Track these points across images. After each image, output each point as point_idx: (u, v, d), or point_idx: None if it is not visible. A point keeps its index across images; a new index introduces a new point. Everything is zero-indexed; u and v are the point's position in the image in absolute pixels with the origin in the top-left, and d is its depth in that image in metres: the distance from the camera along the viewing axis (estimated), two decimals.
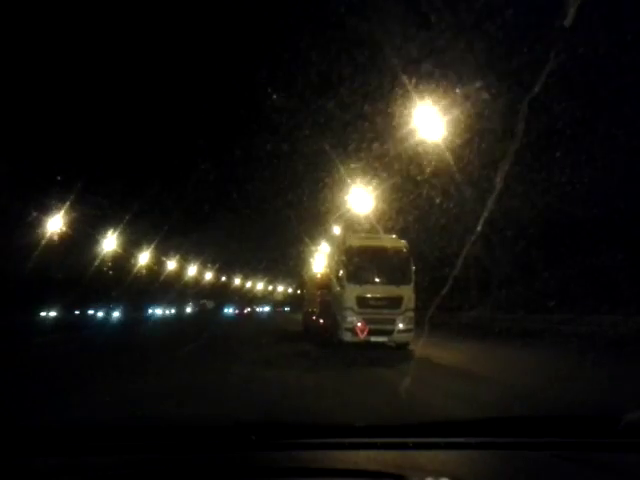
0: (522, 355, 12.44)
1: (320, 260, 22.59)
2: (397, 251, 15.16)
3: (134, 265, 41.94)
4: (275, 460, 2.09)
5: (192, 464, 2.05)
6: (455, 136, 15.95)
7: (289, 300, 76.31)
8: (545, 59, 10.33)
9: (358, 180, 20.16)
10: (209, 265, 60.45)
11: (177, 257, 50.81)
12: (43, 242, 26.63)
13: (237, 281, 76.01)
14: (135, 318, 43.36)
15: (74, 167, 25.56)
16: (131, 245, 39.46)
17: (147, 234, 38.53)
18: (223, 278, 71.30)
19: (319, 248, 24.58)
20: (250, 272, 72.52)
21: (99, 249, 34.63)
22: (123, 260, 39.60)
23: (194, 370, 9.35)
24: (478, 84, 14.38)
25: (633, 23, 12.16)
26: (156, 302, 56.71)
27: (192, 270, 57.28)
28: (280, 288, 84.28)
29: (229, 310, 74.13)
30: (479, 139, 16.83)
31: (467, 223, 15.59)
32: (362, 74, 16.10)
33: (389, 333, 14.27)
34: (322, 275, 19.84)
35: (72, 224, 28.35)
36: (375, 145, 17.65)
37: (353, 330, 14.24)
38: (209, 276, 64.81)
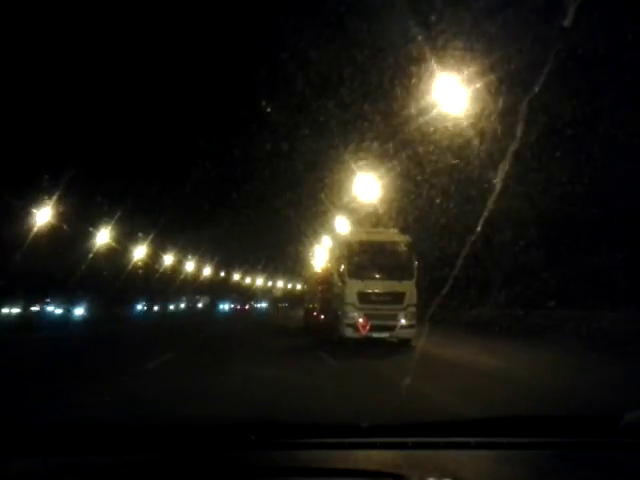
0: (523, 354, 12.44)
1: (321, 255, 22.52)
2: (399, 246, 15.04)
3: (128, 260, 40.11)
4: (275, 460, 2.09)
5: (192, 464, 2.05)
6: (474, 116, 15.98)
7: (288, 297, 76.26)
8: (545, 59, 10.33)
9: (365, 167, 19.67)
10: (207, 262, 59.96)
11: (174, 253, 49.69)
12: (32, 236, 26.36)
13: (236, 277, 75.50)
14: (115, 315, 38.01)
15: (73, 166, 25.54)
16: (126, 240, 38.42)
17: (147, 232, 38.36)
18: (222, 274, 70.50)
19: (321, 243, 24.53)
20: (250, 269, 72.32)
21: (91, 243, 33.47)
22: (117, 255, 37.97)
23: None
24: (477, 85, 14.36)
25: (633, 23, 12.15)
26: (144, 298, 52.33)
27: (190, 266, 56.40)
28: (280, 284, 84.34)
29: (224, 307, 71.49)
30: (479, 140, 16.84)
31: (467, 223, 15.58)
32: (362, 74, 16.09)
33: (391, 329, 14.15)
34: (323, 270, 19.70)
35: (61, 217, 27.83)
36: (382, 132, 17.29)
37: (354, 326, 14.10)
38: (207, 272, 63.82)
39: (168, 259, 49.63)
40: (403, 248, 14.95)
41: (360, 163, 19.02)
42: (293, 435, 2.24)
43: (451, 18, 13.04)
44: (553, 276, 17.17)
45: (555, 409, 3.13)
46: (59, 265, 31.76)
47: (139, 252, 41.30)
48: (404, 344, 13.84)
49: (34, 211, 25.78)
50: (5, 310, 36.07)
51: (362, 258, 14.89)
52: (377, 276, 14.80)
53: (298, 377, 8.65)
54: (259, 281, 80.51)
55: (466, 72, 12.70)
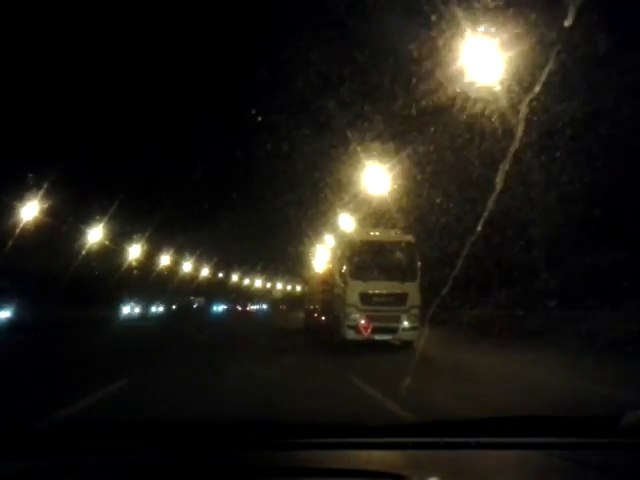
0: (525, 354, 12.44)
1: (322, 255, 22.23)
2: (402, 246, 14.76)
3: (122, 260, 38.77)
4: (275, 460, 2.09)
5: (192, 464, 2.05)
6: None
7: (288, 298, 76.03)
8: (545, 59, 10.33)
9: (375, 159, 18.85)
10: (205, 262, 58.85)
11: (170, 253, 48.21)
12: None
13: (235, 278, 74.39)
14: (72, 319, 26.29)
15: (72, 166, 25.55)
16: (120, 239, 37.47)
17: (146, 232, 38.09)
18: (220, 275, 69.33)
19: (323, 243, 24.29)
20: (249, 270, 71.58)
21: (84, 240, 32.27)
22: (111, 255, 36.59)
23: None
24: (478, 84, 14.36)
25: (633, 23, 12.16)
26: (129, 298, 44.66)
27: (187, 266, 54.97)
28: (279, 286, 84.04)
29: (219, 308, 67.42)
30: (480, 139, 16.83)
31: (467, 223, 15.57)
32: (362, 74, 16.10)
33: (394, 331, 13.88)
34: (324, 271, 19.39)
35: (54, 215, 27.09)
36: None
37: (356, 328, 13.86)
38: (205, 273, 62.53)
39: (165, 259, 48.50)
40: (406, 248, 14.67)
41: (370, 155, 18.43)
42: (293, 435, 2.24)
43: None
44: (553, 276, 17.15)
45: (555, 409, 3.13)
46: (48, 263, 28.83)
47: (134, 251, 40.17)
48: (406, 346, 13.62)
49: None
50: None
51: (364, 258, 14.63)
52: (379, 277, 14.50)
53: (298, 379, 8.61)
54: (258, 282, 79.94)
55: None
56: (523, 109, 11.05)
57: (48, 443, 2.14)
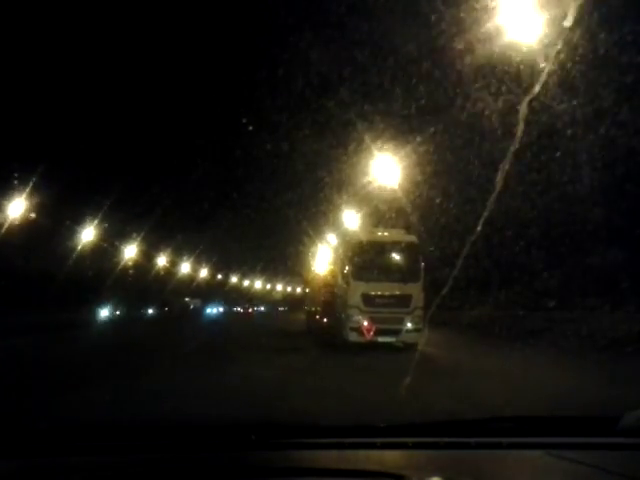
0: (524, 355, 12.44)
1: (324, 256, 21.95)
2: (405, 246, 14.53)
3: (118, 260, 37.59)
4: (275, 460, 2.09)
5: (192, 464, 2.05)
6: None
7: (288, 300, 75.82)
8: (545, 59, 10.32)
9: (385, 146, 17.62)
10: (203, 263, 57.73)
11: (167, 253, 46.98)
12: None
13: (234, 279, 73.11)
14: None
15: (72, 165, 25.54)
16: (115, 239, 36.83)
17: (145, 232, 37.91)
18: (219, 276, 68.30)
19: (324, 242, 24.04)
20: (248, 271, 71.04)
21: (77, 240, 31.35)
22: (106, 254, 35.99)
23: None
24: (478, 84, 14.37)
25: (633, 23, 12.15)
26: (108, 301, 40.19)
27: (185, 267, 53.70)
28: (279, 287, 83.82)
29: (213, 310, 62.88)
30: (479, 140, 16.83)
31: (467, 223, 15.56)
32: (362, 74, 16.08)
33: (397, 333, 13.67)
34: (326, 272, 19.12)
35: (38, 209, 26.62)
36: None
37: (359, 330, 13.67)
38: (204, 274, 61.14)
39: (161, 260, 47.52)
40: (409, 249, 14.43)
41: (380, 143, 17.91)
42: (293, 435, 2.24)
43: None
44: (553, 276, 17.14)
45: (555, 409, 3.13)
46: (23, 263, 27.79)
47: (129, 252, 39.08)
48: (410, 348, 13.39)
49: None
50: None
51: (367, 259, 14.40)
52: (382, 278, 14.28)
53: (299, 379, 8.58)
54: (258, 283, 79.48)
55: None
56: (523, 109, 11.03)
57: (48, 443, 2.14)
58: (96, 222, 31.50)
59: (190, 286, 57.59)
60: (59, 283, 28.12)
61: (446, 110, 15.43)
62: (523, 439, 2.22)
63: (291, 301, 69.91)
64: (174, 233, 42.44)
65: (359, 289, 14.05)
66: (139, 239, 38.56)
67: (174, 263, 51.20)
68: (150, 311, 50.91)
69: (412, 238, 14.86)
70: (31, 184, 23.31)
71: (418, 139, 16.62)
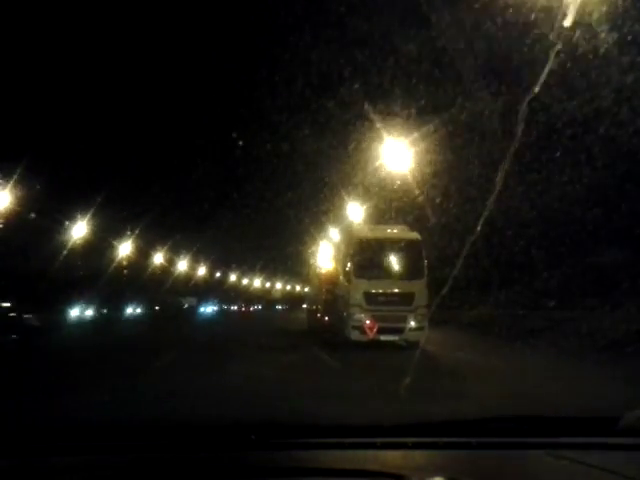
0: (523, 355, 12.44)
1: (325, 253, 21.71)
2: (408, 243, 14.26)
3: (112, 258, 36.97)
4: (275, 460, 2.09)
5: (192, 464, 2.05)
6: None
7: (287, 298, 75.87)
8: (545, 59, 10.32)
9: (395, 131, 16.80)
10: (202, 261, 57.50)
11: (164, 251, 46.33)
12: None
13: (233, 278, 72.64)
14: None
15: (71, 165, 25.55)
16: (111, 236, 36.37)
17: (145, 233, 37.79)
18: (218, 274, 67.96)
19: (326, 239, 23.87)
20: (247, 270, 70.79)
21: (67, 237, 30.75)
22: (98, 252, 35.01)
23: None
24: (477, 85, 14.39)
25: (633, 23, 12.15)
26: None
27: (182, 265, 52.97)
28: (278, 286, 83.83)
29: (207, 310, 59.53)
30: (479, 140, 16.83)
31: (467, 223, 15.54)
32: (362, 74, 16.07)
33: (400, 331, 13.44)
34: (327, 270, 18.80)
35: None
36: None
37: (361, 328, 13.44)
38: (202, 272, 60.78)
39: (158, 258, 46.90)
40: (412, 245, 14.15)
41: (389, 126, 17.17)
42: (293, 435, 2.24)
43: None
44: (553, 276, 17.14)
45: (555, 409, 3.13)
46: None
47: (124, 249, 38.59)
48: (413, 347, 13.09)
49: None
50: None
51: (368, 256, 14.14)
52: (385, 275, 14.03)
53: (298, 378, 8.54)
54: (257, 282, 79.18)
55: None
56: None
57: (48, 443, 2.14)
58: (87, 218, 31.11)
59: (187, 284, 56.77)
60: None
61: (446, 110, 15.44)
62: (523, 439, 2.22)
63: (291, 300, 69.90)
64: (173, 232, 42.43)
65: (361, 287, 13.81)
66: (134, 237, 38.33)
67: (171, 261, 50.68)
68: (138, 310, 46.87)
69: (415, 235, 14.61)
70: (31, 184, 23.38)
71: (418, 138, 16.65)
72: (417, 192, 18.82)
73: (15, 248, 26.35)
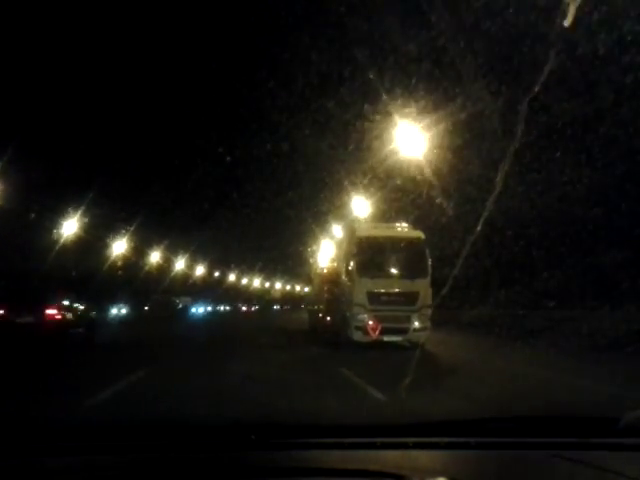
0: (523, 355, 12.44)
1: (327, 251, 21.40)
2: (412, 242, 14.06)
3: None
4: (275, 460, 2.09)
5: (191, 464, 2.05)
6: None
7: (287, 298, 75.91)
8: (545, 59, 10.33)
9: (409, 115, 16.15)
10: (200, 261, 56.90)
11: (161, 250, 45.81)
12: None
13: (232, 277, 71.98)
14: None
15: (73, 166, 25.57)
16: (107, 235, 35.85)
17: (145, 233, 37.61)
18: (217, 274, 67.35)
19: (328, 237, 23.71)
20: (247, 270, 70.42)
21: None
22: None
23: None
24: (477, 85, 14.38)
25: (633, 23, 12.16)
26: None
27: (180, 264, 52.24)
28: (278, 286, 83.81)
29: (199, 310, 55.42)
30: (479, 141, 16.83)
31: (467, 223, 15.53)
32: (362, 74, 16.07)
33: (404, 332, 13.24)
34: (330, 269, 18.41)
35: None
36: None
37: (364, 329, 13.24)
38: (200, 272, 60.08)
39: (154, 256, 46.27)
40: (416, 244, 13.95)
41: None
42: (293, 435, 2.24)
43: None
44: (553, 276, 17.14)
45: (555, 409, 3.13)
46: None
47: (119, 248, 37.92)
48: (416, 347, 12.75)
49: None
50: None
51: (372, 255, 13.90)
52: (388, 274, 13.81)
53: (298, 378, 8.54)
54: (256, 282, 78.76)
55: None
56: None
57: (48, 443, 2.14)
58: (78, 215, 30.31)
59: (185, 284, 55.77)
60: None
61: (447, 110, 15.44)
62: (523, 439, 2.22)
63: (291, 299, 69.91)
64: (173, 232, 42.31)
65: (364, 286, 13.59)
66: (131, 236, 37.69)
67: (168, 260, 49.86)
68: (123, 311, 43.03)
69: (419, 233, 14.44)
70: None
71: (418, 137, 16.65)
72: (420, 190, 18.78)
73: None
